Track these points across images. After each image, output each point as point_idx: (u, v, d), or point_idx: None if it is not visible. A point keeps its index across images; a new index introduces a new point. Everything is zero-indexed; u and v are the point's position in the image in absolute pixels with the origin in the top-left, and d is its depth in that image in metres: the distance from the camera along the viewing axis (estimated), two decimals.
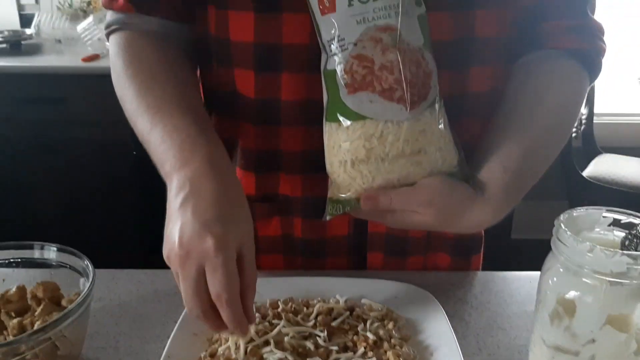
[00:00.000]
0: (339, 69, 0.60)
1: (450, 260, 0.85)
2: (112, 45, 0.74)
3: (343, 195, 0.64)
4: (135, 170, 2.10)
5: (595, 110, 2.54)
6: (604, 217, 0.56)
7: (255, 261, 0.70)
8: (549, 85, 0.72)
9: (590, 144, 2.55)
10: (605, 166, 2.40)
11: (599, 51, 0.74)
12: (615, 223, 0.56)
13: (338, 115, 0.61)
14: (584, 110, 2.52)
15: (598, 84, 2.54)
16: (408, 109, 0.60)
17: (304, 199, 0.79)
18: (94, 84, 2.05)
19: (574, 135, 2.42)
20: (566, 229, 0.52)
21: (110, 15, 0.75)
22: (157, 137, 0.63)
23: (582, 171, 2.37)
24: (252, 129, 0.76)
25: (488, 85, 0.74)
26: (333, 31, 0.60)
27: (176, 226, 0.55)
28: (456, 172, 0.65)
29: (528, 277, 0.83)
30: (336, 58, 0.60)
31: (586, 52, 0.73)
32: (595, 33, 0.74)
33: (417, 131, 0.61)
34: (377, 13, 0.59)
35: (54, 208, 2.16)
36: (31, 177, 2.15)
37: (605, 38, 0.75)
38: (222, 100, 0.77)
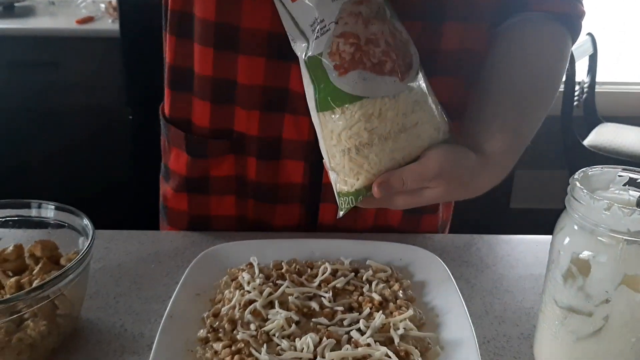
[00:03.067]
0: (325, 52, 0.56)
1: (401, 217, 0.83)
2: None
3: (352, 187, 0.60)
4: (133, 135, 2.08)
5: (597, 79, 2.51)
6: (619, 176, 0.55)
7: (205, 204, 0.81)
8: (536, 48, 0.73)
9: (592, 112, 2.53)
10: (606, 135, 2.38)
11: (580, 14, 0.75)
12: (631, 182, 0.54)
13: (330, 102, 0.57)
14: (585, 78, 2.49)
15: (601, 51, 2.51)
16: (400, 79, 0.57)
17: (260, 138, 0.76)
18: (88, 47, 2.01)
19: (575, 103, 2.39)
20: (582, 187, 0.50)
21: None
22: None
23: (582, 140, 2.35)
24: (209, 54, 0.73)
25: (460, 43, 0.72)
26: (312, 14, 0.56)
27: None
28: (449, 139, 0.62)
29: (534, 241, 0.82)
30: (319, 42, 0.56)
31: (568, 15, 0.74)
32: None
33: (412, 102, 0.58)
34: None
35: (51, 173, 2.14)
36: (26, 142, 2.12)
37: (584, 1, 0.76)
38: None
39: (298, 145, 0.76)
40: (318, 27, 0.56)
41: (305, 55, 0.58)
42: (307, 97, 0.60)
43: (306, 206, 0.82)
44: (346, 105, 0.56)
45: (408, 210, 0.82)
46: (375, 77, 0.56)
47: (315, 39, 0.57)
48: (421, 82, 0.59)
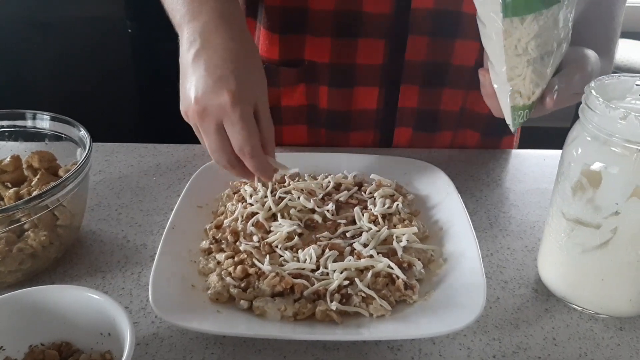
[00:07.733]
0: None
1: (479, 138, 0.82)
2: None
3: (528, 99, 0.56)
4: (132, 49, 2.02)
5: None
6: (637, 85, 0.52)
7: (278, 134, 0.72)
8: None
9: None
10: (619, 52, 2.31)
11: None
12: None
13: (525, 6, 0.51)
14: None
15: None
16: None
17: (332, 66, 0.75)
18: None
19: None
20: (598, 96, 0.48)
21: None
22: None
23: None
24: None
25: None
26: None
27: (190, 82, 0.53)
28: None
29: (542, 155, 0.80)
30: None
31: None
32: None
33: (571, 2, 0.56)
34: None
35: (48, 87, 2.10)
36: (24, 55, 2.07)
37: None
38: None
39: (372, 70, 0.75)
40: None
41: None
42: (480, 2, 0.54)
43: (380, 132, 0.81)
44: (542, 11, 0.52)
45: (488, 132, 0.82)
46: None
47: None
48: None
